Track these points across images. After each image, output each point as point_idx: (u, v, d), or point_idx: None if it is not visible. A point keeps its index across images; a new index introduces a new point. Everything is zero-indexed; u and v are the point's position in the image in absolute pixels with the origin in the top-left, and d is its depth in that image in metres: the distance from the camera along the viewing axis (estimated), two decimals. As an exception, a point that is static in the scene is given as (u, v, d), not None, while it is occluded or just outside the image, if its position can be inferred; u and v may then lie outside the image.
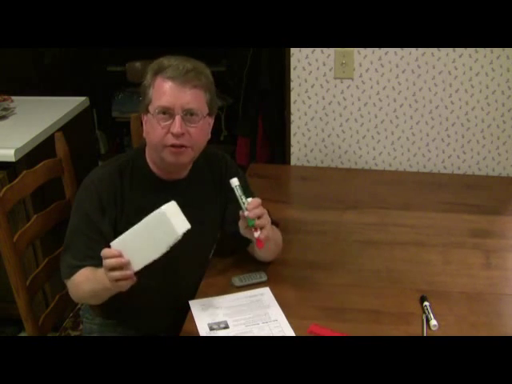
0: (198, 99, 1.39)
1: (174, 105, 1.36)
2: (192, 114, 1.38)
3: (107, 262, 1.27)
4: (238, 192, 1.42)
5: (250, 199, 1.41)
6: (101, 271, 1.34)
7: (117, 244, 1.29)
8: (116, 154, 1.60)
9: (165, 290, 1.53)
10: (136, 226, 1.30)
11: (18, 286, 1.56)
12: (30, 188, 1.67)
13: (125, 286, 1.29)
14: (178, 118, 1.36)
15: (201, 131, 1.42)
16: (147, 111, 1.40)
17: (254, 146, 3.05)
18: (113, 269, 1.27)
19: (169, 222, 1.28)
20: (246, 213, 1.39)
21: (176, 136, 1.37)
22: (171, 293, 1.53)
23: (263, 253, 1.56)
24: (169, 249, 1.30)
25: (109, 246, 1.44)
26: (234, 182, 1.43)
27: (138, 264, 1.29)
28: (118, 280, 1.27)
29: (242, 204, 1.41)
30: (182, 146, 1.39)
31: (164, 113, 1.37)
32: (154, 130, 1.39)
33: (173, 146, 1.39)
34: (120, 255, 1.27)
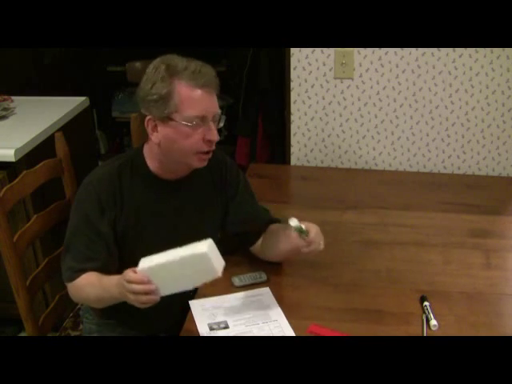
0: (217, 103, 1.42)
1: (209, 113, 1.38)
2: (217, 119, 1.42)
3: (133, 288, 1.25)
4: (298, 230, 1.40)
5: (307, 226, 1.40)
6: (108, 280, 1.35)
7: (145, 270, 1.26)
8: (116, 154, 1.59)
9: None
10: (170, 258, 1.26)
11: (18, 286, 1.56)
12: (30, 188, 1.67)
13: (148, 305, 1.28)
14: (212, 125, 1.39)
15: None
16: (170, 119, 1.38)
17: (254, 146, 3.05)
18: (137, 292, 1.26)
19: (209, 261, 1.26)
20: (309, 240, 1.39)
21: (213, 143, 1.40)
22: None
23: (273, 255, 1.57)
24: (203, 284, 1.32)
25: (108, 247, 1.44)
26: (294, 222, 1.40)
27: (165, 290, 1.28)
28: (142, 302, 1.27)
29: (304, 237, 1.40)
30: (211, 151, 1.43)
31: (201, 121, 1.38)
32: (189, 138, 1.38)
33: (207, 152, 1.41)
34: (148, 281, 1.25)
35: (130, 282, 1.25)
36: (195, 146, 1.39)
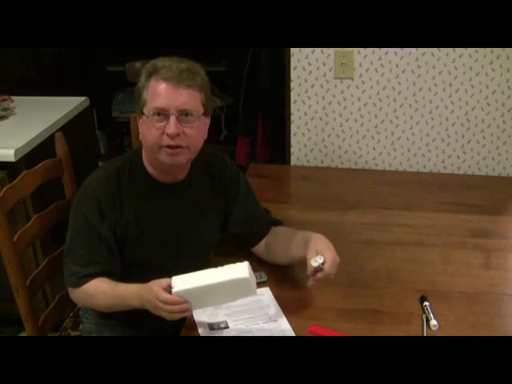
0: (193, 99, 1.37)
1: (169, 106, 1.35)
2: (187, 115, 1.37)
3: (169, 308, 1.28)
4: (319, 267, 1.39)
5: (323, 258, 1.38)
6: (124, 290, 1.38)
7: (181, 293, 1.28)
8: (116, 154, 1.60)
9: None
10: (207, 281, 1.28)
11: (18, 286, 1.56)
12: (29, 188, 1.67)
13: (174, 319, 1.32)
14: (172, 119, 1.35)
15: (197, 131, 1.40)
16: (142, 113, 1.39)
17: (254, 146, 3.05)
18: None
19: (248, 284, 1.30)
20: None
21: (171, 137, 1.36)
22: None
23: (283, 261, 1.58)
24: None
25: (110, 250, 1.44)
26: (318, 261, 1.37)
27: (199, 306, 1.32)
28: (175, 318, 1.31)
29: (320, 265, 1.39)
30: (177, 147, 1.38)
31: (159, 114, 1.36)
32: (149, 132, 1.37)
33: (168, 146, 1.37)
34: (184, 301, 1.28)
35: (165, 302, 1.28)
36: (156, 139, 1.37)
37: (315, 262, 1.37)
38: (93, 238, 1.42)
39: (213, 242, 1.64)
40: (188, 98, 1.36)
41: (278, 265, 1.59)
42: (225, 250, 1.67)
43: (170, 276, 1.46)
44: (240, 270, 1.29)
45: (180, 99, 1.35)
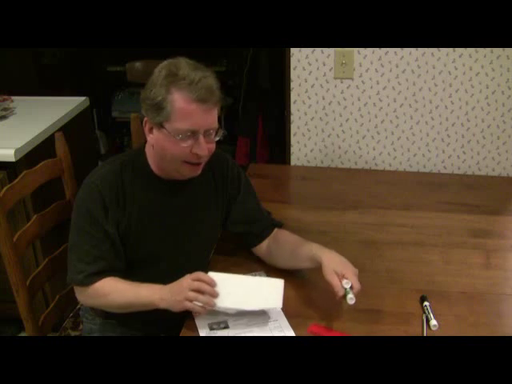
0: (216, 117, 1.39)
1: (200, 127, 1.35)
2: (211, 133, 1.39)
3: (201, 286, 1.31)
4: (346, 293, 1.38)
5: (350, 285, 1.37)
6: (145, 288, 1.39)
7: (215, 276, 1.34)
8: (116, 154, 1.59)
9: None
10: (245, 276, 1.41)
11: (18, 286, 1.56)
12: (29, 188, 1.67)
13: (189, 309, 1.34)
14: (203, 140, 1.36)
15: (214, 143, 1.42)
16: (162, 126, 1.36)
17: (254, 146, 3.06)
18: (197, 290, 1.32)
19: (280, 292, 1.37)
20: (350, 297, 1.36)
21: (201, 156, 1.38)
22: None
23: (285, 266, 1.57)
24: (259, 310, 1.40)
25: (114, 246, 1.44)
26: (346, 287, 1.36)
27: (223, 303, 1.34)
28: (190, 301, 1.32)
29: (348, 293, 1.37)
30: (200, 163, 1.42)
31: (191, 134, 1.36)
32: (175, 148, 1.36)
33: (192, 163, 1.40)
34: (215, 285, 1.33)
35: (200, 280, 1.32)
36: (183, 156, 1.38)
37: (345, 290, 1.36)
38: (98, 233, 1.42)
39: (214, 240, 1.64)
40: (214, 117, 1.38)
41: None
42: (225, 249, 1.67)
43: (170, 276, 1.46)
44: (275, 285, 1.39)
45: (209, 120, 1.37)
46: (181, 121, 1.33)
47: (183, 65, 1.35)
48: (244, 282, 1.39)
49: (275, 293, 1.38)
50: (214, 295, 1.32)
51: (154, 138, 1.40)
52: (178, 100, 1.32)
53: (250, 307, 1.38)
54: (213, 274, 1.35)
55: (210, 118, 1.36)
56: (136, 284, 1.41)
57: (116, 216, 1.44)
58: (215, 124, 1.38)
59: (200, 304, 1.32)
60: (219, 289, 1.33)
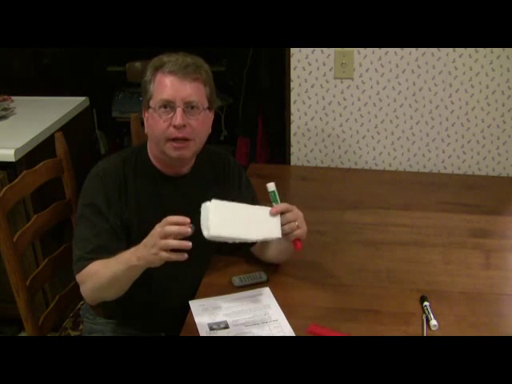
0: (199, 92, 1.42)
1: (175, 97, 1.39)
2: (193, 107, 1.41)
3: (166, 230, 1.24)
4: (272, 197, 1.43)
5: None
6: (125, 253, 1.34)
7: (215, 202, 1.34)
8: (116, 154, 1.60)
9: (165, 289, 1.53)
10: (245, 204, 1.40)
11: (18, 286, 1.56)
12: (30, 188, 1.67)
13: (169, 260, 1.26)
14: (179, 110, 1.38)
15: (202, 123, 1.43)
16: (148, 106, 1.43)
17: (253, 146, 3.06)
18: (167, 236, 1.24)
19: (278, 222, 1.38)
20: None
21: (178, 128, 1.39)
22: (171, 293, 1.53)
23: (274, 256, 1.57)
24: (259, 241, 1.42)
25: (118, 238, 1.44)
26: (271, 186, 1.43)
27: (216, 231, 1.32)
28: (165, 250, 1.24)
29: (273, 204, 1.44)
30: (184, 140, 1.41)
31: (165, 106, 1.39)
32: (156, 124, 1.41)
33: (175, 140, 1.40)
34: (187, 223, 1.25)
35: (167, 222, 1.25)
36: (163, 131, 1.40)
37: (270, 186, 1.43)
38: (102, 223, 1.43)
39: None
40: (193, 90, 1.40)
41: (275, 264, 1.59)
42: (225, 249, 1.67)
43: (170, 275, 1.46)
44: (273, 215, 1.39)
45: (186, 91, 1.39)
46: (158, 93, 1.40)
47: (172, 54, 1.43)
48: (244, 211, 1.38)
49: (274, 222, 1.39)
50: (184, 233, 1.25)
51: (146, 124, 1.45)
52: (158, 76, 1.41)
53: (248, 236, 1.38)
54: (215, 200, 1.34)
55: (188, 90, 1.40)
56: (118, 254, 1.38)
57: (118, 208, 1.45)
58: (194, 98, 1.40)
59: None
60: (216, 216, 1.31)
